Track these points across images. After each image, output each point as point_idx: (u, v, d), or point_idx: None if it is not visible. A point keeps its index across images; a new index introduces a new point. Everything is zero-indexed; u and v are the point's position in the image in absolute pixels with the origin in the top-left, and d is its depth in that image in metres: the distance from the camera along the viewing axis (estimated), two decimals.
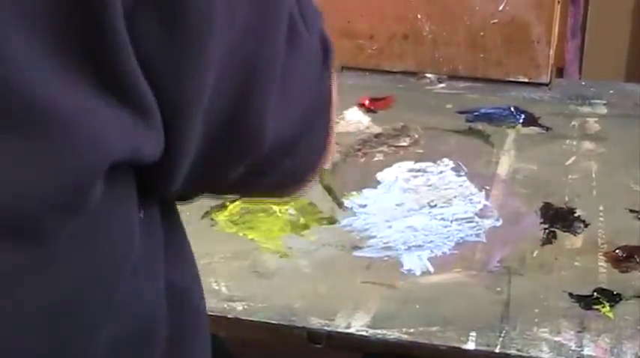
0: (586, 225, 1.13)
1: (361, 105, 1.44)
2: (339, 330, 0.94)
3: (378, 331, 0.93)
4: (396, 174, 1.24)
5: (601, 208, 1.17)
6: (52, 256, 0.45)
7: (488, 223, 1.13)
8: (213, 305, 0.95)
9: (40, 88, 0.40)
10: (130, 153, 0.45)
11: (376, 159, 1.30)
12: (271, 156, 0.57)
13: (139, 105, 0.45)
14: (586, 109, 1.47)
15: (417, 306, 0.96)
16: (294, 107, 0.57)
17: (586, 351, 0.90)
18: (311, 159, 0.64)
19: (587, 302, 0.98)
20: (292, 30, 0.55)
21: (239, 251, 1.07)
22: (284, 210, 1.15)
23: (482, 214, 1.15)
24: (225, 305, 0.97)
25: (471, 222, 1.14)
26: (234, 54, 0.50)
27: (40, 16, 0.40)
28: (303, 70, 0.57)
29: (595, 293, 0.99)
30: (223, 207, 1.15)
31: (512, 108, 1.46)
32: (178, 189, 0.53)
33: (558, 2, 1.52)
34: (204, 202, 1.14)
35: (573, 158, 1.31)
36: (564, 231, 1.12)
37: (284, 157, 0.59)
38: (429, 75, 1.56)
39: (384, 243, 1.09)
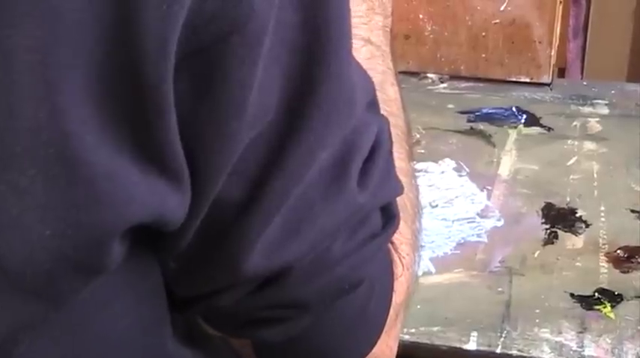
0: (587, 226, 1.13)
1: None
2: None
3: None
4: None
5: (602, 208, 1.17)
6: (72, 315, 0.45)
7: (489, 223, 1.13)
8: None
9: (77, 140, 0.40)
10: (155, 218, 0.44)
11: None
12: (256, 301, 0.51)
13: (171, 170, 0.43)
14: (587, 109, 1.47)
15: (418, 306, 0.96)
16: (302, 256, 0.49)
17: (587, 352, 0.90)
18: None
19: (588, 302, 0.98)
20: (337, 170, 0.49)
21: None
22: None
23: (483, 214, 1.15)
24: None
25: (473, 222, 1.14)
26: (251, 150, 0.46)
27: (95, 78, 0.40)
28: (328, 224, 0.49)
29: (596, 294, 0.99)
30: None
31: (513, 109, 1.46)
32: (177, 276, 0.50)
33: (560, 2, 1.52)
34: None
35: (575, 158, 1.31)
36: (565, 232, 1.12)
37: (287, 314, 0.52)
38: (430, 75, 1.56)
39: None
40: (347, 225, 0.50)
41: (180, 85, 0.42)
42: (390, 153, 0.54)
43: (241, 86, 0.43)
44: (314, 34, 0.46)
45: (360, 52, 0.64)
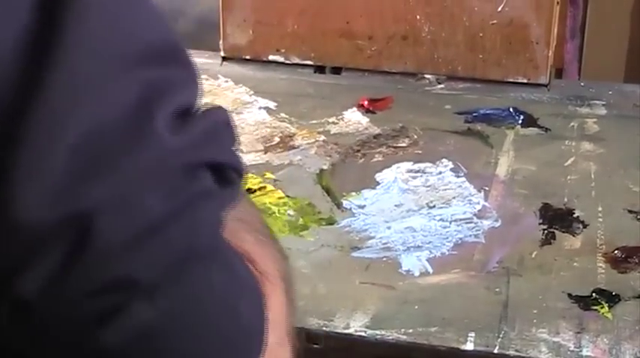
0: (585, 226, 1.13)
1: (360, 106, 1.44)
2: (338, 331, 0.94)
3: (377, 332, 0.93)
4: (395, 175, 1.24)
5: (600, 209, 1.17)
6: None
7: (487, 224, 1.13)
8: None
9: None
10: None
11: (375, 159, 1.30)
12: None
13: None
14: (585, 110, 1.47)
15: (416, 307, 0.96)
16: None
17: (585, 352, 0.90)
18: None
19: (585, 302, 0.98)
20: (138, 111, 0.43)
21: None
22: (283, 210, 1.15)
23: (481, 215, 1.15)
24: None
25: (470, 222, 1.14)
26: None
27: None
28: (132, 166, 0.43)
29: (594, 294, 0.99)
30: None
31: (511, 109, 1.46)
32: None
33: (557, 3, 1.52)
34: None
35: (572, 159, 1.31)
36: (563, 232, 1.12)
37: None
38: (428, 76, 1.56)
39: (383, 244, 1.09)
40: (161, 174, 0.44)
41: None
42: (228, 125, 0.48)
43: None
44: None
45: None
